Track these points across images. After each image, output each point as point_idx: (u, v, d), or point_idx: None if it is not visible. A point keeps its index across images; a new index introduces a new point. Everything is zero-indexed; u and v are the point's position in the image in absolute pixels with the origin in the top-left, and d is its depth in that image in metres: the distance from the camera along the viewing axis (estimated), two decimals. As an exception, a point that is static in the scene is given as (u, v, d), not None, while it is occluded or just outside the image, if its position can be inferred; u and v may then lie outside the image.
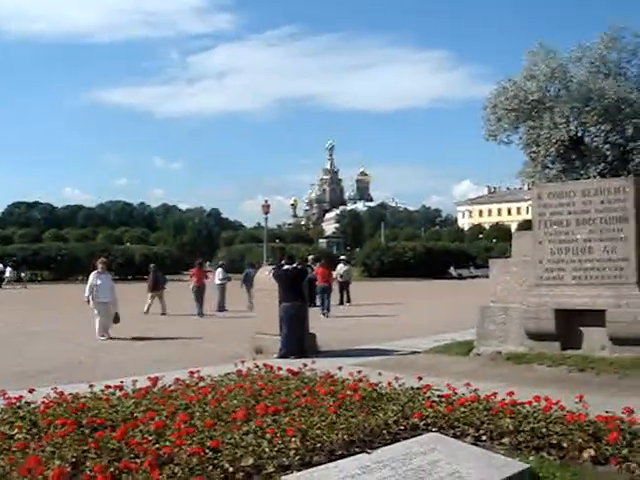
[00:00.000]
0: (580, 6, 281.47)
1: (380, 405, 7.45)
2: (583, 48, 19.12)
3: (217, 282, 29.31)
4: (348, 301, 31.61)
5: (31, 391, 8.30)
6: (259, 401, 7.55)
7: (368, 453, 5.86)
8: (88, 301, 18.87)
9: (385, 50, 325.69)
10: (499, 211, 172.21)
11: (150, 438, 6.09)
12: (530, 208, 14.57)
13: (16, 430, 6.54)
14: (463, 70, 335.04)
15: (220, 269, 30.49)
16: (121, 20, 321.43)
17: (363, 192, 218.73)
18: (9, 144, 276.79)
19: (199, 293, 26.79)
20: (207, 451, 5.66)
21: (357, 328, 20.88)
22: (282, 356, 13.69)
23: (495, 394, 7.64)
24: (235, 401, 7.64)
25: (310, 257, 33.82)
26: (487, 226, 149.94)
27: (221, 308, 28.42)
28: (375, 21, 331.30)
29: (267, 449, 5.78)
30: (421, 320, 22.93)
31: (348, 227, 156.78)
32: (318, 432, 6.25)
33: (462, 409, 7.19)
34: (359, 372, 9.39)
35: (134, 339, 18.12)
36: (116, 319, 18.82)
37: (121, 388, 8.54)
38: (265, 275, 15.65)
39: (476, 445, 6.31)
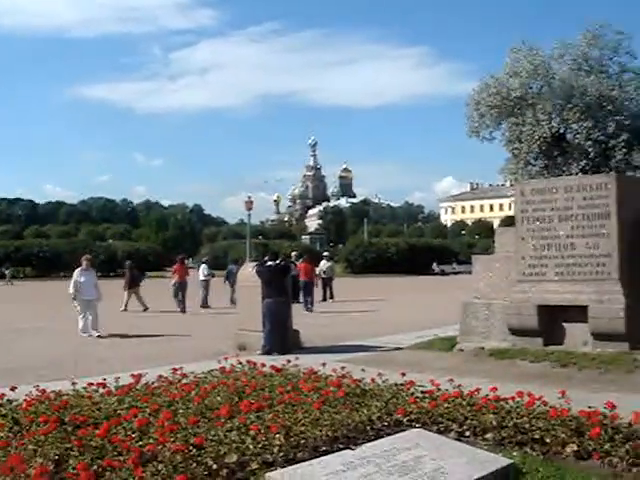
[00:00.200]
0: (562, 4, 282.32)
1: (364, 401, 7.46)
2: (565, 45, 19.19)
3: (201, 278, 29.26)
4: (331, 297, 31.65)
5: (13, 389, 8.23)
6: (243, 398, 7.54)
7: (352, 449, 5.86)
8: (73, 298, 18.70)
9: (367, 46, 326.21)
10: (481, 207, 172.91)
11: (133, 435, 6.08)
12: (513, 204, 14.63)
13: (-2, 428, 6.50)
14: (445, 67, 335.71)
15: (204, 265, 30.45)
16: (102, 15, 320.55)
17: (346, 188, 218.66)
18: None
19: (181, 289, 26.78)
20: (191, 448, 5.65)
21: (340, 324, 20.90)
22: (265, 353, 13.68)
23: (478, 390, 7.66)
24: (219, 398, 7.63)
25: (293, 253, 33.80)
26: (470, 222, 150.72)
27: (204, 304, 28.36)
28: (357, 17, 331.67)
29: (251, 446, 5.77)
30: (404, 316, 22.96)
31: (331, 223, 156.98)
32: (302, 428, 6.25)
33: (445, 405, 7.21)
34: (342, 368, 9.40)
35: (117, 336, 18.03)
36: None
37: (104, 385, 8.50)
38: (248, 271, 15.62)
39: (460, 441, 6.32)
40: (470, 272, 15.32)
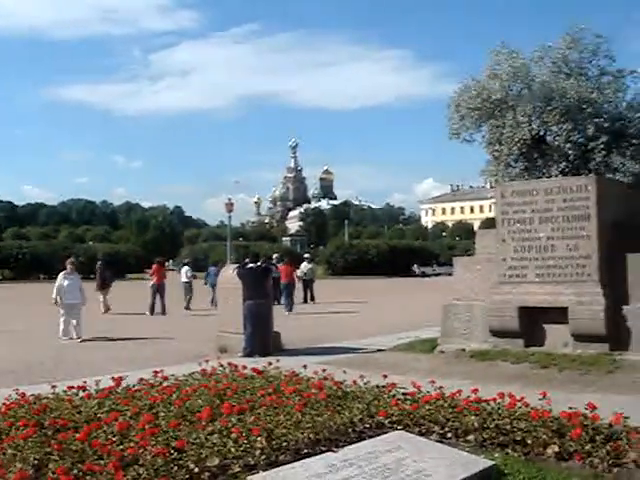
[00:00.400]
0: (542, 7, 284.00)
1: (345, 403, 7.45)
2: (545, 48, 19.24)
3: (184, 280, 29.19)
4: (312, 299, 31.63)
5: (-9, 392, 8.18)
6: (224, 400, 7.51)
7: (334, 452, 5.86)
8: (56, 302, 18.41)
9: (349, 48, 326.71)
10: (462, 209, 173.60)
11: (114, 439, 6.04)
12: (493, 206, 14.69)
13: (-24, 432, 6.44)
14: (426, 69, 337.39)
15: (186, 267, 30.33)
16: (81, 16, 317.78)
17: (327, 190, 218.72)
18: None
19: (159, 291, 26.70)
20: (172, 451, 5.63)
21: (321, 326, 20.88)
22: (246, 355, 13.65)
23: (460, 391, 7.67)
24: (200, 401, 7.60)
25: (275, 255, 33.75)
26: (450, 224, 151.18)
27: (187, 307, 28.32)
28: (337, 19, 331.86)
29: (233, 449, 5.76)
30: (385, 318, 22.99)
31: (312, 225, 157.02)
32: (284, 431, 6.24)
33: (427, 407, 7.21)
34: (324, 370, 9.38)
35: (98, 339, 17.91)
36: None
37: (84, 388, 8.45)
38: (229, 273, 15.58)
39: (441, 443, 6.34)
40: (450, 274, 15.36)
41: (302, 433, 6.23)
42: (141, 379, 9.12)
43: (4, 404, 7.64)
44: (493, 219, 13.64)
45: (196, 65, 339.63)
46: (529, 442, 6.14)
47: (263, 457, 5.71)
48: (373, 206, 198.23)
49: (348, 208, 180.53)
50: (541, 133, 19.18)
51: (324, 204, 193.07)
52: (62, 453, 5.65)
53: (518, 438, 6.23)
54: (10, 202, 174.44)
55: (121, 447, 5.78)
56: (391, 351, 14.34)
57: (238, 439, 5.95)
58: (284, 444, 5.99)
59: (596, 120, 18.35)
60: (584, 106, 18.28)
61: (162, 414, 6.99)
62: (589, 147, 18.60)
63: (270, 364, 10.11)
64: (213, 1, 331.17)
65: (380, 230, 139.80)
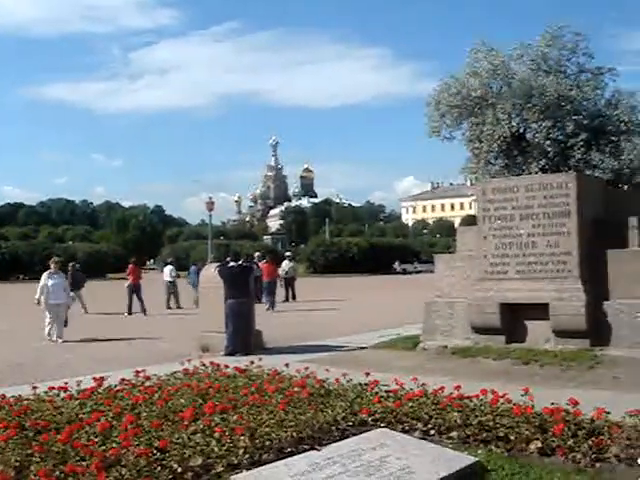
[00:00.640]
0: (522, 5, 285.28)
1: (328, 401, 7.45)
2: (524, 46, 19.30)
3: (168, 279, 29.13)
4: (293, 297, 31.63)
5: (-29, 394, 8.10)
6: (206, 400, 7.48)
7: (317, 450, 5.85)
8: (39, 302, 18.09)
9: (329, 46, 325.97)
10: (442, 207, 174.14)
11: (96, 440, 6.00)
12: (473, 203, 14.75)
13: (-44, 434, 6.37)
14: (406, 67, 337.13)
15: (170, 267, 30.20)
16: (59, 14, 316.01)
17: (307, 188, 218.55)
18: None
19: (136, 291, 26.61)
20: (155, 452, 5.60)
21: (303, 324, 20.88)
22: (228, 354, 13.62)
23: (442, 388, 7.69)
24: (182, 400, 7.57)
25: (256, 254, 33.70)
26: (431, 221, 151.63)
27: (168, 306, 28.30)
28: (318, 17, 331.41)
29: (216, 448, 5.74)
30: (366, 315, 23.01)
31: (293, 223, 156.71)
32: (267, 430, 6.22)
33: (410, 404, 7.22)
34: (306, 369, 9.38)
35: (79, 340, 17.78)
36: (64, 323, 18.39)
37: (65, 389, 8.40)
38: (211, 272, 15.53)
39: (425, 439, 6.35)
40: (432, 271, 15.43)
41: (285, 432, 6.21)
42: (123, 379, 9.07)
43: (-16, 406, 7.58)
44: (474, 216, 13.70)
45: (176, 63, 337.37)
46: (512, 438, 6.16)
47: (246, 456, 5.69)
48: (354, 204, 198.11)
49: (329, 206, 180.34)
50: (521, 130, 19.25)
51: (305, 202, 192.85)
52: (44, 454, 5.60)
53: (501, 434, 6.24)
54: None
55: (103, 448, 5.74)
56: (373, 349, 14.35)
57: (221, 438, 5.93)
58: (267, 443, 5.97)
59: (575, 117, 18.45)
60: (563, 103, 18.37)
61: (144, 414, 6.95)
62: (569, 144, 18.69)
63: (252, 363, 10.10)
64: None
65: (361, 228, 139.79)
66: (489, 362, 11.78)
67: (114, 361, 13.45)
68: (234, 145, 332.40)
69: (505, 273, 12.51)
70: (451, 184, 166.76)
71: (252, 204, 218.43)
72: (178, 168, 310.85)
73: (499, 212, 12.63)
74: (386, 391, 7.90)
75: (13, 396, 8.11)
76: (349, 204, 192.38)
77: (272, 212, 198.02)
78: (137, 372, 9.45)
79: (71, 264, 28.47)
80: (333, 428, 6.57)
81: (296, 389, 7.97)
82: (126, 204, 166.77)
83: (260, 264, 28.35)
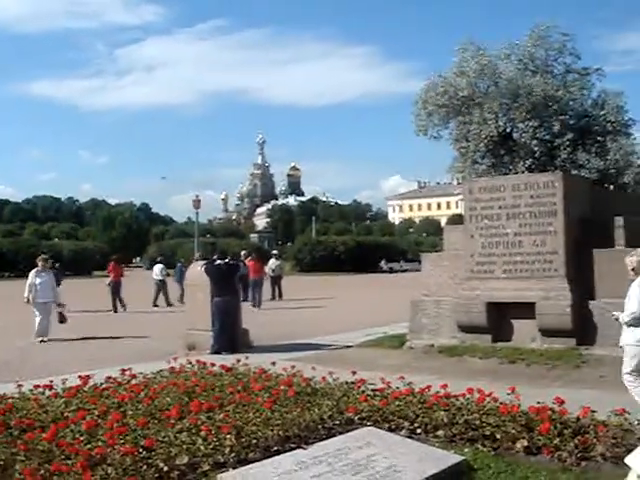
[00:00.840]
0: (509, 4, 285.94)
1: (315, 400, 7.45)
2: (512, 45, 19.38)
3: (159, 277, 29.08)
4: (280, 296, 31.58)
5: (-44, 392, 8.05)
6: (193, 398, 7.47)
7: (304, 449, 5.85)
8: (28, 301, 17.84)
9: (316, 45, 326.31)
10: (429, 205, 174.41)
11: (81, 438, 5.98)
12: (460, 203, 14.79)
13: (-60, 432, 6.33)
14: (393, 66, 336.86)
15: (160, 265, 30.09)
16: (44, 9, 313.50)
17: (294, 187, 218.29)
18: None
19: (115, 289, 26.53)
20: (141, 450, 5.58)
21: (289, 323, 20.85)
22: (215, 352, 13.59)
23: (429, 387, 7.71)
24: (168, 399, 7.55)
25: (242, 252, 33.62)
26: (417, 220, 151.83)
27: (155, 303, 28.25)
28: (306, 15, 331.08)
29: (202, 447, 5.73)
30: (353, 314, 23.00)
31: (279, 222, 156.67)
32: (253, 428, 6.22)
33: (396, 402, 7.23)
34: (293, 367, 9.38)
35: (65, 338, 17.68)
36: (62, 319, 18.16)
37: (51, 387, 8.35)
38: (197, 270, 15.49)
39: (411, 438, 6.36)
40: (418, 270, 15.43)
41: (272, 430, 6.21)
42: (109, 377, 9.04)
43: (-31, 404, 7.53)
44: (460, 215, 13.72)
45: (163, 60, 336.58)
46: (498, 437, 6.18)
47: (233, 455, 5.68)
48: (340, 202, 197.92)
49: (315, 205, 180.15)
50: (508, 130, 19.33)
51: (291, 201, 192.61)
52: (29, 453, 5.58)
53: (487, 433, 6.26)
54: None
55: (89, 446, 5.72)
56: (360, 347, 14.35)
57: (207, 437, 5.92)
58: (254, 441, 5.97)
59: (562, 117, 18.54)
60: (550, 103, 18.45)
61: (130, 412, 6.93)
62: (555, 144, 18.78)
63: (239, 361, 10.08)
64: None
65: (347, 227, 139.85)
66: (475, 361, 11.81)
67: (100, 359, 13.38)
68: (221, 143, 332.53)
69: (492, 272, 12.54)
70: (438, 183, 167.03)
71: (239, 202, 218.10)
72: (165, 165, 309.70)
73: (486, 211, 12.65)
74: (373, 390, 7.91)
75: (-2, 394, 8.07)
76: (336, 203, 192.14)
77: (259, 210, 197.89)
78: (123, 370, 9.41)
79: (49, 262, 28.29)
80: (319, 427, 6.57)
81: (282, 388, 7.97)
82: (112, 201, 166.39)
83: (246, 262, 28.31)
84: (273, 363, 9.79)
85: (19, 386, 8.42)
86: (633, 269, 7.78)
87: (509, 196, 12.41)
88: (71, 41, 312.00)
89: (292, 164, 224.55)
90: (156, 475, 5.24)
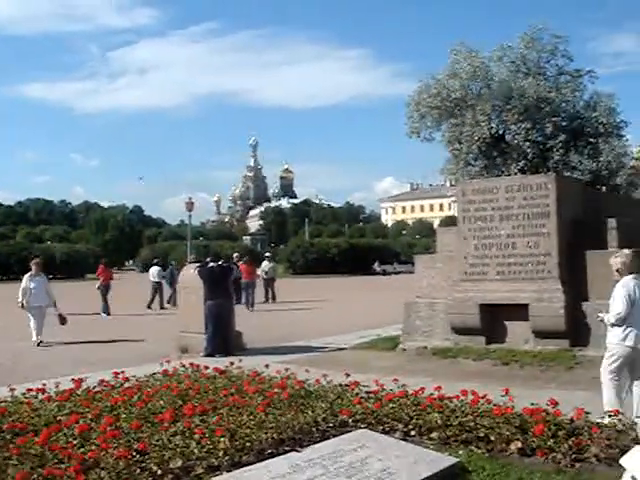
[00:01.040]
0: (501, 6, 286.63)
1: (309, 402, 7.43)
2: (504, 48, 19.45)
3: (155, 279, 29.07)
4: (273, 298, 31.57)
5: (-52, 396, 8.00)
6: (186, 401, 7.45)
7: (298, 452, 5.84)
8: (22, 305, 17.62)
9: (309, 47, 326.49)
10: (422, 207, 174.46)
11: (75, 442, 5.95)
12: (452, 204, 14.82)
13: None
14: (386, 68, 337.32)
15: (156, 267, 30.02)
16: (36, 12, 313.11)
17: (287, 189, 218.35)
18: None
19: (104, 292, 26.49)
20: (134, 454, 5.55)
21: (283, 325, 20.84)
22: (208, 355, 13.57)
23: (423, 389, 7.69)
24: (162, 402, 7.52)
25: (235, 255, 33.60)
26: (410, 222, 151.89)
27: (149, 306, 28.25)
28: (296, 18, 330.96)
29: (196, 450, 5.70)
30: (346, 316, 23.01)
31: (272, 224, 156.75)
32: (247, 431, 6.19)
33: (390, 405, 7.21)
34: (286, 370, 9.35)
35: (58, 341, 17.58)
36: (63, 320, 17.98)
37: (43, 391, 8.31)
38: (190, 273, 15.46)
39: (405, 440, 6.34)
40: (411, 272, 15.44)
41: (265, 433, 6.19)
42: (102, 381, 9.00)
43: (-39, 408, 7.48)
44: (453, 217, 13.77)
45: (155, 63, 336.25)
46: (492, 439, 6.17)
47: (226, 458, 5.66)
48: (333, 205, 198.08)
49: (308, 207, 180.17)
50: (500, 132, 19.39)
51: (284, 203, 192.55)
52: (21, 457, 5.54)
53: (481, 435, 6.25)
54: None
55: (82, 450, 5.69)
56: (353, 349, 14.35)
57: (201, 440, 5.89)
58: (247, 444, 5.95)
59: (554, 119, 18.61)
60: (542, 105, 18.51)
61: (124, 416, 6.90)
62: (548, 146, 18.85)
63: (232, 364, 10.05)
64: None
65: (340, 229, 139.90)
66: (469, 363, 11.82)
67: (93, 362, 13.35)
68: (214, 145, 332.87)
69: (485, 274, 12.54)
70: (430, 185, 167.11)
71: (232, 204, 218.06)
72: (158, 168, 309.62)
73: (479, 213, 12.66)
74: (366, 392, 7.89)
75: (-10, 398, 8.03)
76: (329, 205, 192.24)
77: (252, 212, 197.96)
78: (116, 373, 9.37)
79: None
80: (314, 429, 6.55)
81: (276, 390, 7.94)
82: (105, 204, 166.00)
83: (239, 264, 28.30)
84: (267, 366, 9.77)
85: (11, 390, 8.38)
86: (618, 270, 7.85)
87: (502, 198, 12.42)
88: (64, 43, 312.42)
89: (285, 166, 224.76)
90: (150, 478, 5.21)
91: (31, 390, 8.35)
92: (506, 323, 12.39)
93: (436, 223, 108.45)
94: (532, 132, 18.67)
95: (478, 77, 19.03)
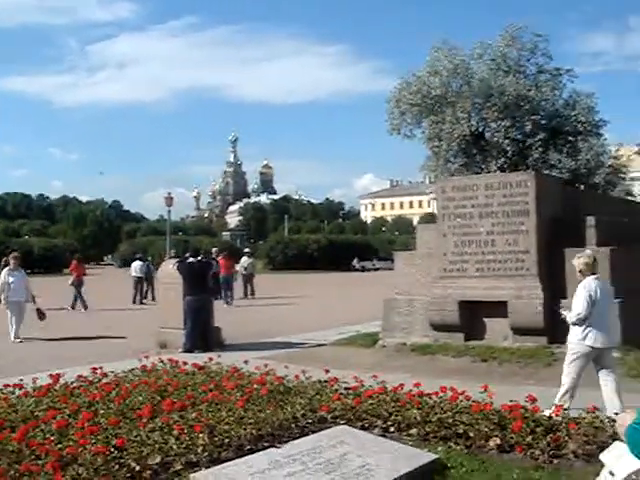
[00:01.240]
0: (482, 4, 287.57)
1: (288, 399, 7.43)
2: (484, 45, 19.45)
3: (138, 275, 28.99)
4: (252, 294, 31.50)
5: None
6: (165, 397, 7.43)
7: (277, 447, 5.83)
8: (1, 301, 17.42)
9: (289, 42, 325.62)
10: (401, 204, 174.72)
11: (52, 438, 5.91)
12: (432, 202, 14.84)
13: None
14: (366, 64, 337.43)
15: (138, 262, 29.88)
16: (17, 4, 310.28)
17: (267, 185, 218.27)
18: None
19: (77, 287, 26.34)
20: (112, 450, 5.53)
21: (262, 321, 20.81)
22: (186, 350, 13.53)
23: (402, 385, 7.72)
24: (140, 397, 7.49)
25: (214, 249, 33.47)
26: (389, 219, 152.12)
27: (134, 301, 28.16)
28: (278, 13, 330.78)
29: (174, 446, 5.68)
30: (325, 312, 23.03)
31: (252, 220, 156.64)
32: (226, 427, 6.19)
33: (370, 401, 7.23)
34: (265, 365, 9.35)
35: (37, 337, 17.45)
36: (41, 315, 17.75)
37: (21, 387, 8.25)
38: (169, 268, 15.41)
39: (384, 437, 6.36)
40: (390, 268, 15.48)
41: (245, 429, 6.18)
42: (80, 376, 8.96)
43: (-64, 403, 7.42)
44: (432, 214, 13.80)
45: (135, 57, 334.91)
46: (471, 435, 6.19)
47: (205, 454, 5.64)
48: (313, 201, 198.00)
49: (288, 203, 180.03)
50: (480, 129, 19.41)
51: (264, 199, 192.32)
52: (-2, 453, 5.50)
53: (460, 431, 6.28)
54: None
55: (60, 446, 5.65)
56: (332, 345, 14.36)
57: (180, 436, 5.87)
58: (226, 440, 5.94)
59: (534, 117, 18.65)
60: (522, 103, 18.55)
61: (102, 412, 6.86)
62: (527, 144, 18.90)
63: (211, 359, 10.03)
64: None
65: (320, 225, 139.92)
66: (448, 359, 11.85)
67: (71, 358, 13.25)
68: (193, 140, 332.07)
69: (464, 271, 12.58)
70: (410, 182, 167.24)
71: (211, 200, 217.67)
72: (137, 163, 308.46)
73: (459, 210, 12.69)
74: (346, 388, 7.91)
75: (-34, 394, 7.96)
76: (308, 201, 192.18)
77: (231, 208, 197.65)
78: (94, 369, 9.33)
79: (5, 259, 27.95)
80: (293, 425, 6.56)
81: (255, 386, 7.95)
82: (83, 199, 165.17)
83: (218, 259, 28.23)
84: (246, 361, 9.75)
85: (-12, 385, 8.32)
86: (580, 271, 8.06)
87: (482, 195, 12.46)
88: (44, 36, 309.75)
89: (264, 162, 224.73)
90: (128, 475, 5.19)
91: (8, 386, 8.29)
92: (485, 320, 12.44)
93: (416, 220, 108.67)
94: (512, 130, 18.72)
95: (458, 75, 19.04)
